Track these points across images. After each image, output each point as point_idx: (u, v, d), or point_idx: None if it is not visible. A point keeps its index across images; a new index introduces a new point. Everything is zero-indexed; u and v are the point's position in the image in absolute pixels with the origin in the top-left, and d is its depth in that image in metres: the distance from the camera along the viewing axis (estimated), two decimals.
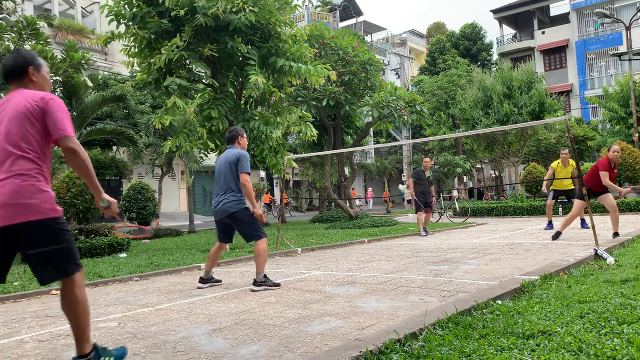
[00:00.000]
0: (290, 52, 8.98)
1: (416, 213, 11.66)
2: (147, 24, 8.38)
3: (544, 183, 10.93)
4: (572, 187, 10.40)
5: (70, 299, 2.73)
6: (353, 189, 41.19)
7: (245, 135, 5.67)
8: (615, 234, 7.99)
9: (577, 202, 8.29)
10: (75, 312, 2.73)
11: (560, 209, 14.95)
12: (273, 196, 35.38)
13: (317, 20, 37.48)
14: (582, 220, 10.73)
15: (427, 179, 11.57)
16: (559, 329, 2.97)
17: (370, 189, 39.59)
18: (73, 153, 2.67)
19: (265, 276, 5.27)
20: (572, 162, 10.44)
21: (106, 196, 2.86)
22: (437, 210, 17.07)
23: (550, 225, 11.00)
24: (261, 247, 5.24)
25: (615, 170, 8.18)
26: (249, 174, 5.26)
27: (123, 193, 15.28)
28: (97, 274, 6.71)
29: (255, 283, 5.21)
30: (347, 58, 15.30)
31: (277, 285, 5.26)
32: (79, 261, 2.79)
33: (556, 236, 8.51)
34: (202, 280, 5.51)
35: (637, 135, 20.73)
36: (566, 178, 10.25)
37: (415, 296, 4.42)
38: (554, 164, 10.67)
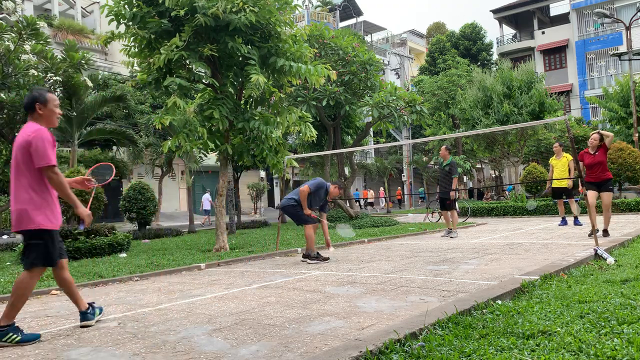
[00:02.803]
0: (290, 52, 8.96)
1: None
2: (147, 24, 8.37)
3: (547, 183, 11.28)
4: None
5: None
6: (366, 189, 41.57)
7: (331, 187, 7.68)
8: (605, 232, 8.20)
9: (605, 195, 8.23)
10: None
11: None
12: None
13: (317, 20, 37.48)
14: (575, 218, 11.07)
15: (442, 169, 10.37)
16: (559, 329, 2.97)
17: (382, 188, 39.58)
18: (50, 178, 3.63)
19: (317, 254, 7.39)
20: (565, 154, 10.80)
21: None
22: (437, 210, 17.06)
23: (564, 221, 11.38)
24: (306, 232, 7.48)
25: (596, 153, 8.25)
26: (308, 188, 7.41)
27: (123, 193, 15.27)
28: (97, 274, 6.72)
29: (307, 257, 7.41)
30: (347, 58, 15.29)
31: (326, 259, 7.36)
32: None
33: (606, 234, 8.30)
34: (309, 257, 7.39)
35: (637, 135, 20.73)
36: (563, 179, 10.56)
37: (415, 296, 4.42)
38: (550, 160, 11.14)
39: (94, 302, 4.06)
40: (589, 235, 8.33)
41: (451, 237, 10.22)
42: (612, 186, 8.40)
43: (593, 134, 8.36)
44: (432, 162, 37.24)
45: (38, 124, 3.67)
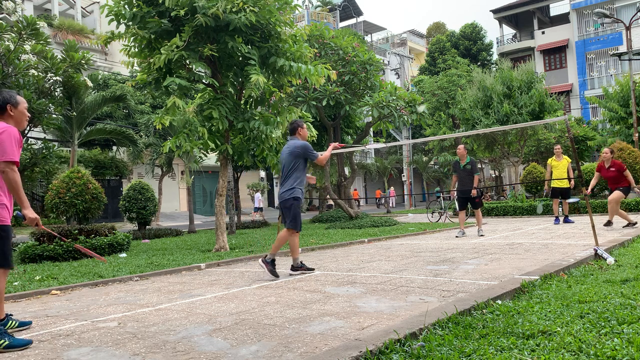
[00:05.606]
0: (290, 52, 8.96)
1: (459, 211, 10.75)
2: (147, 24, 8.36)
3: (546, 183, 11.83)
4: (568, 185, 11.53)
5: None
6: (379, 188, 41.73)
7: (305, 126, 6.19)
8: (609, 222, 9.54)
9: (615, 194, 9.52)
10: None
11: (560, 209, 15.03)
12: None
13: (317, 20, 37.50)
14: (566, 216, 12.03)
15: (463, 169, 10.08)
16: (559, 329, 2.97)
17: (392, 188, 39.72)
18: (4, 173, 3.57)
19: (302, 262, 6.17)
20: (565, 157, 11.59)
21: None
22: (438, 210, 17.05)
23: (557, 220, 12.09)
24: (284, 234, 5.97)
25: (612, 168, 9.55)
26: (320, 156, 6.04)
27: (123, 193, 15.27)
28: (97, 274, 6.72)
29: (291, 267, 6.15)
30: (347, 58, 15.29)
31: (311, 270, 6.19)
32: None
33: (609, 224, 9.63)
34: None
35: (637, 135, 20.73)
36: (563, 178, 11.27)
37: (415, 296, 4.42)
38: (549, 160, 11.78)
39: (11, 314, 3.93)
40: (624, 227, 9.59)
41: (481, 235, 10.25)
42: (622, 189, 9.45)
43: (605, 149, 9.75)
44: (432, 162, 37.20)
45: (7, 124, 3.68)
